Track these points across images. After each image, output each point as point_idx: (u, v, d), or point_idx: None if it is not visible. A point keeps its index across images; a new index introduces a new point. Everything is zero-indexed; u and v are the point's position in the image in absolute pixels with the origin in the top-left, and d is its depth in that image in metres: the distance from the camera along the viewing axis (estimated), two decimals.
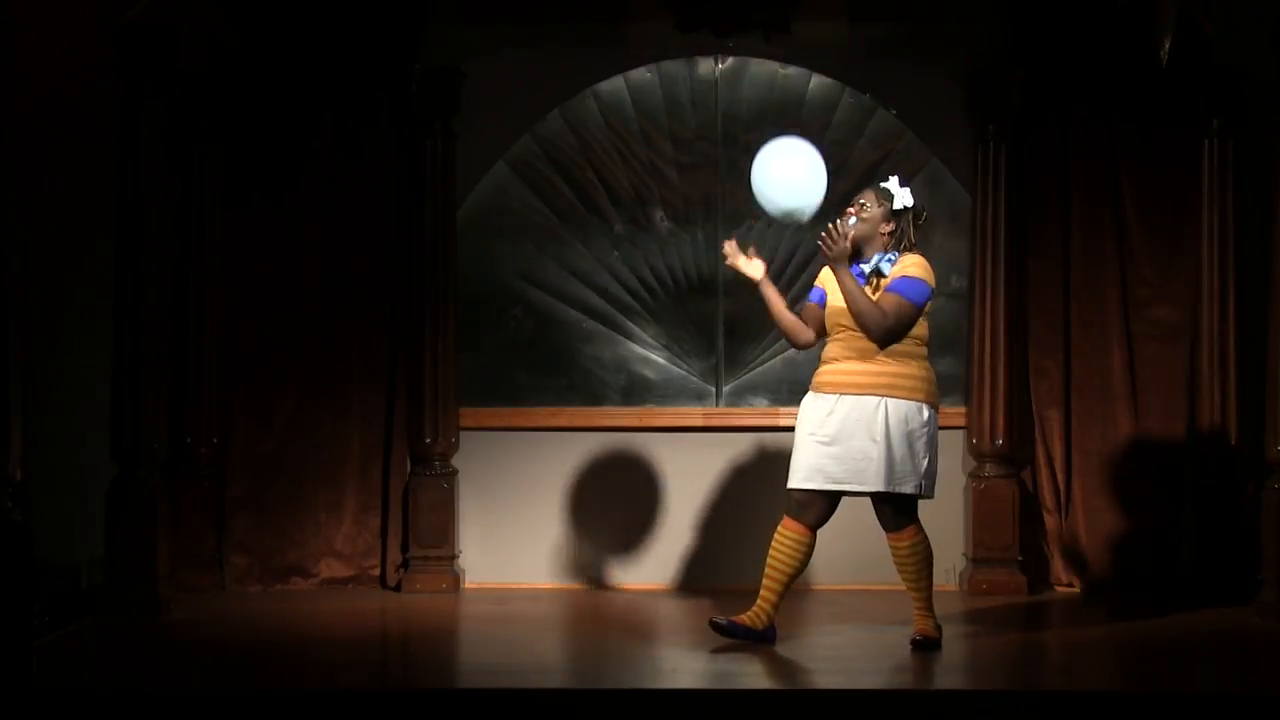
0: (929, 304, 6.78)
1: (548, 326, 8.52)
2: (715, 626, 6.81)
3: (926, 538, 6.80)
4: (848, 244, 6.75)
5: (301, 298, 8.27)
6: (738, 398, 8.50)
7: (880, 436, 6.67)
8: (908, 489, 6.71)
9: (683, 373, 8.52)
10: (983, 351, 8.24)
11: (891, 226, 6.82)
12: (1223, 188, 8.12)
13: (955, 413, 8.31)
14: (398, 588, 8.25)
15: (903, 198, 6.84)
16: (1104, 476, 8.26)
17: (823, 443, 6.73)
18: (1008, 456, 8.27)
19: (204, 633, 7.25)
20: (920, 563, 6.78)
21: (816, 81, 8.48)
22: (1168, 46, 7.35)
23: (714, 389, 8.51)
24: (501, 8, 8.36)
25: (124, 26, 7.38)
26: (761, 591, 6.83)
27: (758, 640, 6.80)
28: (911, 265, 6.78)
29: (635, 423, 8.46)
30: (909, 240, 6.84)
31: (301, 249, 8.26)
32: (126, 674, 6.62)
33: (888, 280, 6.76)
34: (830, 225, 6.76)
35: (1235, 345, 8.11)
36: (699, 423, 8.45)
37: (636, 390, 8.52)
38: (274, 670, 6.57)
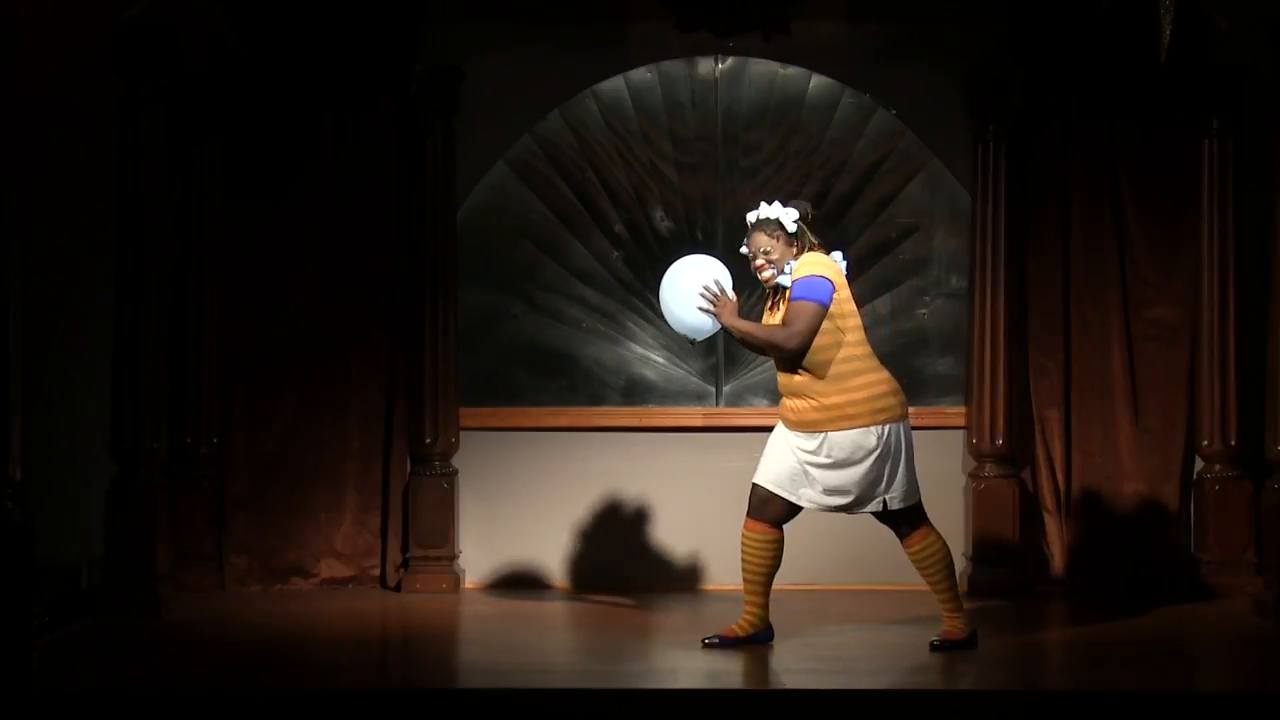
0: (833, 297, 6.62)
1: (548, 326, 8.51)
2: (709, 647, 6.80)
3: (938, 540, 6.77)
4: (732, 298, 6.78)
5: (301, 298, 8.26)
6: (737, 398, 8.50)
7: (829, 467, 6.68)
8: (872, 508, 6.70)
9: (683, 373, 8.51)
10: (983, 351, 8.23)
11: (796, 247, 6.76)
12: (1223, 188, 8.12)
13: (955, 413, 8.32)
14: (398, 588, 8.25)
15: (788, 217, 6.74)
16: (1104, 476, 8.25)
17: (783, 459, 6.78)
18: (1008, 456, 8.26)
19: (204, 633, 7.25)
20: (934, 565, 6.76)
21: (816, 81, 8.48)
22: (1167, 46, 7.34)
23: (714, 389, 8.51)
24: (501, 8, 8.36)
25: (124, 26, 7.38)
26: (745, 600, 6.85)
27: (754, 641, 6.81)
28: (801, 266, 6.69)
29: (635, 423, 8.45)
30: (810, 243, 6.77)
31: (301, 249, 8.26)
32: (126, 674, 6.63)
33: (788, 291, 6.71)
34: (706, 289, 6.74)
35: (1235, 345, 8.11)
36: (699, 423, 8.44)
37: (637, 390, 8.51)
38: (274, 670, 6.57)
